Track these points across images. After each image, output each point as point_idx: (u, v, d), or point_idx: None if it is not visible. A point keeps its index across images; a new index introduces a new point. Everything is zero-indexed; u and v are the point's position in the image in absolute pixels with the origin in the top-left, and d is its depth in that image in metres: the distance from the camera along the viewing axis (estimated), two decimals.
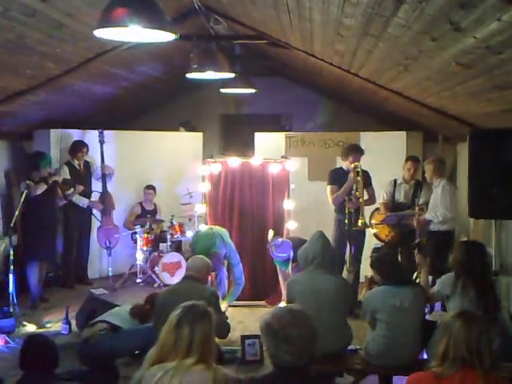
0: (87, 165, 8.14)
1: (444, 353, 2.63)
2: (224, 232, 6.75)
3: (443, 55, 3.62)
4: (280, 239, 6.69)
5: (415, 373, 2.79)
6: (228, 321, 5.93)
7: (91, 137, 8.26)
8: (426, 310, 5.09)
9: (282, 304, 6.12)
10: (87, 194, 8.03)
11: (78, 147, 7.95)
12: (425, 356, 4.40)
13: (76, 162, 7.97)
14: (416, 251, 5.96)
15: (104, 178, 8.20)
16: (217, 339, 4.74)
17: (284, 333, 2.45)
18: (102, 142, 8.17)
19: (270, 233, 6.89)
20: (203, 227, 7.02)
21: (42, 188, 6.90)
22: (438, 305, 5.67)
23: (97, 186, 8.25)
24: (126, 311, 5.06)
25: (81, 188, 7.81)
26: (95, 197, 8.20)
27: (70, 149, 7.95)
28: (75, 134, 8.22)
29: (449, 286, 4.37)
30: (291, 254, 6.50)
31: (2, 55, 5.03)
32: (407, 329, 4.21)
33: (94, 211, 8.22)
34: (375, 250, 6.97)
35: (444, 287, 4.44)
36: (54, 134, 8.05)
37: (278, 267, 6.92)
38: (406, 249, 6.77)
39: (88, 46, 5.64)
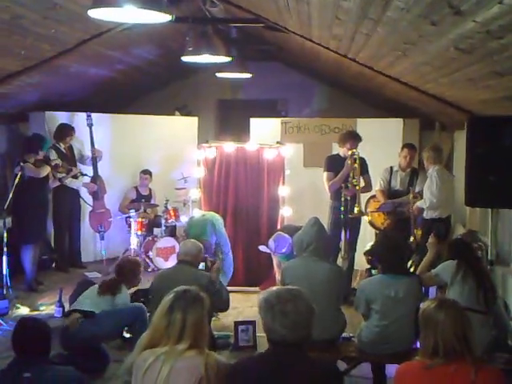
0: (71, 149, 8.03)
1: (434, 346, 2.58)
2: (217, 219, 6.71)
3: (442, 40, 3.57)
4: (273, 238, 6.61)
5: (405, 363, 2.76)
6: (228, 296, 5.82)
7: (79, 120, 8.17)
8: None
9: None
10: (77, 176, 7.92)
11: (67, 131, 7.85)
12: (418, 345, 4.39)
13: (62, 146, 7.85)
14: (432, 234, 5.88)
15: (95, 161, 8.13)
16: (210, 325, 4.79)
17: (280, 307, 2.48)
18: (90, 125, 8.08)
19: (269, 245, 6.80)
20: (197, 213, 6.99)
21: (46, 170, 6.93)
22: (431, 291, 5.66)
23: (85, 170, 8.14)
24: (94, 293, 5.00)
25: (77, 170, 7.77)
26: (86, 181, 8.14)
27: (57, 133, 7.83)
28: (62, 117, 8.11)
29: (450, 274, 4.37)
30: (290, 243, 6.48)
31: None
32: (401, 318, 4.19)
33: (84, 195, 8.16)
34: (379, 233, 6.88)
35: (445, 273, 4.44)
36: (49, 116, 7.98)
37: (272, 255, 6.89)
38: (398, 237, 6.73)
39: (83, 27, 5.57)
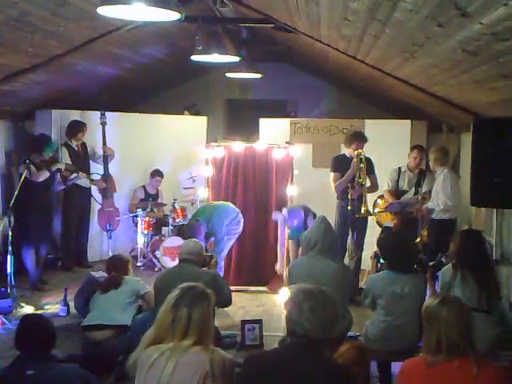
0: (85, 146, 8.04)
1: (437, 343, 2.60)
2: (222, 207, 6.80)
3: (449, 42, 3.58)
4: (287, 208, 6.78)
5: (409, 359, 2.78)
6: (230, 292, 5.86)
7: (92, 118, 8.21)
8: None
9: (284, 289, 6.12)
10: (87, 177, 7.94)
11: (78, 127, 7.83)
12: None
13: (74, 144, 7.85)
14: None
15: (106, 160, 8.14)
16: (216, 322, 4.80)
17: (310, 304, 2.53)
18: (103, 124, 8.10)
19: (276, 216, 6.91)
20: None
21: (44, 175, 6.86)
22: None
23: (96, 168, 8.18)
24: (109, 300, 5.02)
25: (83, 175, 7.75)
26: (96, 178, 8.14)
27: (68, 129, 7.82)
28: (75, 116, 8.13)
29: (449, 278, 4.38)
30: (303, 217, 6.66)
31: (4, 32, 4.96)
32: (406, 315, 4.23)
33: (94, 194, 8.18)
34: (385, 228, 6.88)
35: (445, 278, 4.44)
36: (56, 114, 8.00)
37: (289, 244, 6.93)
38: (405, 235, 6.73)
39: (92, 25, 5.58)
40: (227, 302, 5.15)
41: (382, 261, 5.62)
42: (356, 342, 3.61)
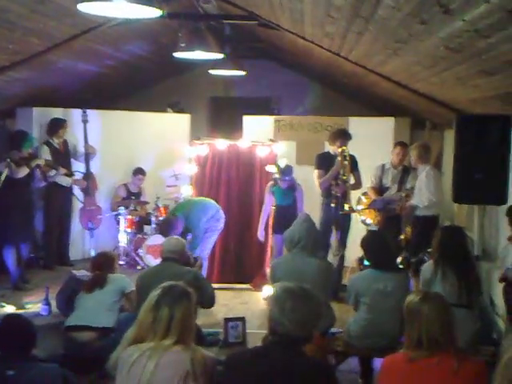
0: (66, 144, 7.97)
1: (418, 339, 2.61)
2: (201, 204, 6.75)
3: (432, 39, 3.58)
4: (284, 161, 6.95)
5: (390, 355, 2.79)
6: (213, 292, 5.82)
7: (74, 116, 8.14)
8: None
9: (268, 287, 6.12)
10: (68, 174, 7.88)
11: (58, 124, 7.77)
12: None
13: (55, 141, 7.78)
14: None
15: (87, 158, 8.08)
16: (199, 321, 4.78)
17: (292, 303, 2.52)
18: (85, 122, 8.04)
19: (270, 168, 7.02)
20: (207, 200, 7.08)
21: (23, 171, 6.77)
22: None
23: (77, 166, 8.11)
24: (94, 301, 4.95)
25: (63, 171, 7.70)
26: (78, 177, 8.09)
27: (49, 127, 7.76)
28: (56, 113, 8.05)
29: (429, 274, 4.39)
30: (293, 181, 6.93)
31: None
32: (389, 312, 4.23)
33: (76, 192, 8.12)
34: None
35: (426, 275, 4.46)
36: (37, 112, 7.92)
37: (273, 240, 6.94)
38: (391, 233, 6.76)
39: (73, 22, 5.51)
40: (211, 301, 5.13)
41: (366, 263, 5.67)
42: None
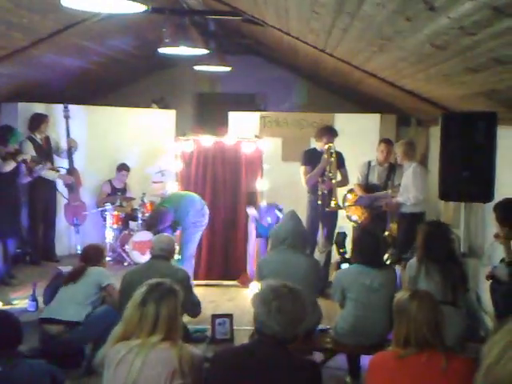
0: (48, 140, 7.90)
1: (407, 336, 2.62)
2: (188, 197, 6.69)
3: (418, 36, 3.59)
4: (265, 205, 6.94)
5: (378, 352, 2.79)
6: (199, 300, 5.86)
7: (57, 111, 8.08)
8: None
9: (254, 284, 6.12)
10: (54, 169, 7.84)
11: (40, 119, 7.71)
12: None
13: (38, 137, 7.73)
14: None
15: (70, 153, 8.03)
16: (186, 318, 4.77)
17: (278, 304, 2.50)
18: (67, 117, 7.99)
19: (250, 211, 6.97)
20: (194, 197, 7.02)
21: (10, 166, 6.73)
22: None
23: (60, 162, 8.05)
24: (66, 294, 4.94)
25: (49, 164, 7.65)
26: (62, 173, 8.04)
27: (30, 123, 7.70)
28: (40, 108, 7.99)
29: (414, 271, 4.39)
30: (277, 217, 6.86)
31: None
32: (376, 308, 4.23)
33: (60, 188, 8.06)
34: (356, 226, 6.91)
35: (410, 272, 4.46)
36: (22, 107, 7.86)
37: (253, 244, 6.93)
38: (378, 230, 6.78)
39: (57, 17, 5.47)
40: (195, 309, 5.14)
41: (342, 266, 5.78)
42: None
